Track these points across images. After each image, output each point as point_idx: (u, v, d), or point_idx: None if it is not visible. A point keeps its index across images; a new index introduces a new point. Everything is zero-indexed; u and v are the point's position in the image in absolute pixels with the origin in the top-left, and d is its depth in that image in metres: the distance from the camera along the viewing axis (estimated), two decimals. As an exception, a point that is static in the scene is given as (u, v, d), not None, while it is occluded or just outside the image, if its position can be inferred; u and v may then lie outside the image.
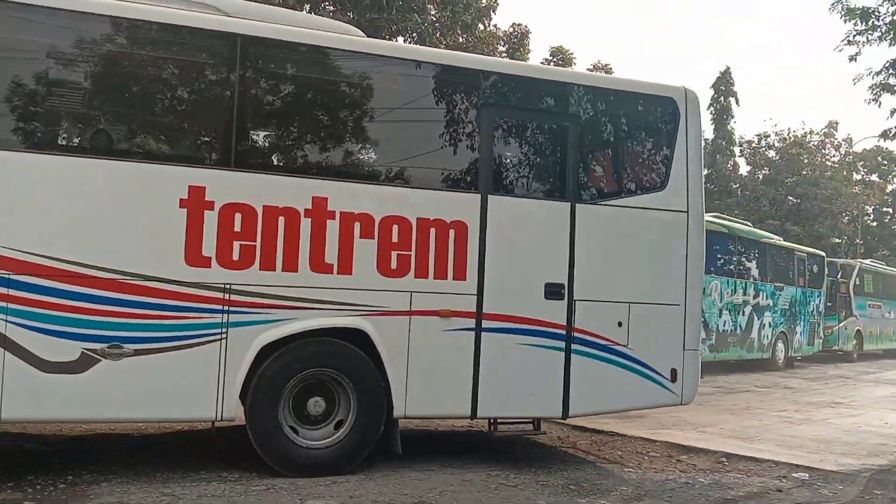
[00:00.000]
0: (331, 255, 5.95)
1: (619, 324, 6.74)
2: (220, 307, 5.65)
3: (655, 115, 7.28)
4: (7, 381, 5.11)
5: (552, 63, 18.48)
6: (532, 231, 6.62)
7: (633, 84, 7.26)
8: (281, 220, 5.84)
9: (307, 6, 14.63)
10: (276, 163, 6.37)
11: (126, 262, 5.44)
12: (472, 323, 6.30)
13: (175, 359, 5.53)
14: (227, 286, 5.67)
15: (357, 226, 6.04)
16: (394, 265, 6.13)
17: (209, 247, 5.62)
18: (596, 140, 7.14)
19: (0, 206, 5.21)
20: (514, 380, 6.43)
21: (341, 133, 6.46)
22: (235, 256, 5.71)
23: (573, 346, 6.59)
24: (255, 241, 5.75)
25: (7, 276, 5.15)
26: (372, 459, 6.24)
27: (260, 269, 5.76)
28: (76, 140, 5.99)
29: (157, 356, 5.48)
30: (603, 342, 6.70)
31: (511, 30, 18.63)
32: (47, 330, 5.23)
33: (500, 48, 17.83)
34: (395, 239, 6.13)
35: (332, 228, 5.97)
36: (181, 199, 5.58)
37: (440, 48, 15.02)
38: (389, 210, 6.14)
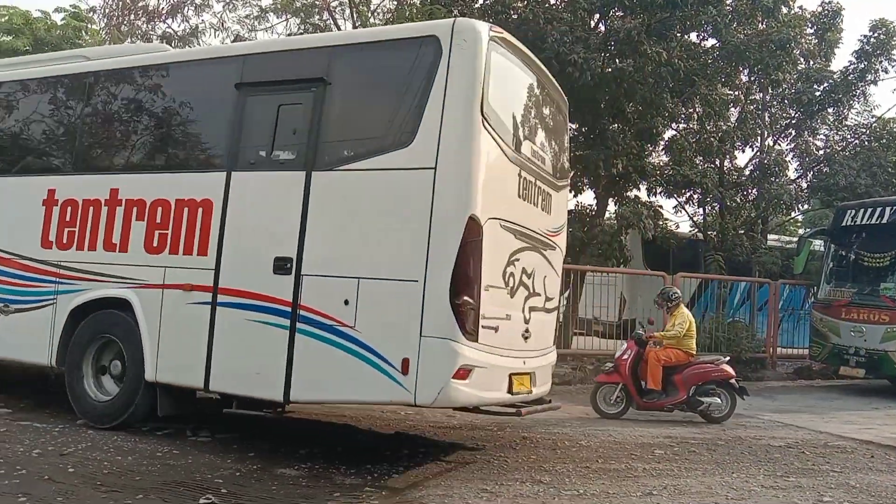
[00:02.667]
0: (117, 236, 7.18)
1: (346, 302, 5.89)
2: (52, 279, 7.46)
3: (411, 60, 6.15)
4: None
5: (872, 39, 16.32)
6: (268, 204, 6.48)
7: (387, 32, 7.10)
8: (88, 209, 7.38)
9: (597, 16, 14.61)
10: (92, 164, 7.85)
11: (14, 246, 7.77)
12: (208, 297, 6.50)
13: (32, 317, 7.52)
14: (57, 263, 7.46)
15: (134, 210, 7.12)
16: (155, 243, 6.95)
17: (52, 233, 7.54)
18: (341, 101, 6.49)
19: None
20: (242, 356, 6.33)
21: (126, 132, 7.79)
22: (64, 240, 7.48)
23: (298, 325, 6.05)
24: (75, 227, 7.43)
25: None
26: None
27: (76, 250, 7.39)
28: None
29: (24, 314, 7.60)
30: (328, 322, 5.94)
31: (820, 9, 16.81)
32: None
33: (808, 30, 16.19)
34: (158, 220, 6.95)
35: (119, 214, 7.20)
36: (43, 199, 7.66)
37: (738, 38, 14.15)
38: (156, 194, 7.02)
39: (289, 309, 6.10)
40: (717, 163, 17.18)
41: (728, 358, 9.90)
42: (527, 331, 6.58)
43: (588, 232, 14.76)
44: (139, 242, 7.00)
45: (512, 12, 14.19)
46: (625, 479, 6.27)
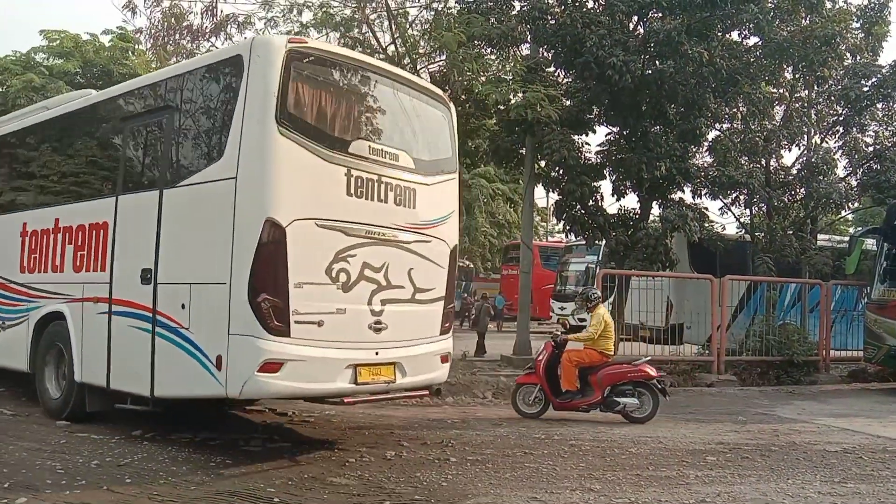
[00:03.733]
0: (57, 258, 8.25)
1: (183, 306, 6.52)
2: (26, 298, 8.66)
3: (225, 79, 6.82)
4: None
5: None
6: (140, 220, 7.16)
7: (212, 56, 7.66)
8: (44, 237, 8.53)
9: (635, 18, 14.49)
10: (43, 199, 9.05)
11: (6, 272, 9.04)
12: (106, 307, 7.35)
13: (16, 331, 8.73)
14: (27, 284, 8.67)
15: (67, 235, 8.14)
16: (78, 263, 7.92)
17: (25, 259, 8.80)
18: (183, 124, 7.20)
19: None
20: (127, 358, 7.08)
21: (60, 168, 8.85)
22: (31, 264, 8.70)
23: (156, 329, 6.74)
24: (37, 253, 8.60)
25: None
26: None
27: (37, 272, 8.59)
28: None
29: (11, 329, 8.85)
30: (173, 325, 6.59)
31: (866, 2, 16.39)
32: None
33: (854, 24, 15.80)
34: (80, 242, 7.94)
35: (59, 239, 8.28)
36: (20, 231, 8.90)
37: (781, 35, 13.90)
38: (79, 220, 7.99)
39: (150, 314, 6.83)
40: (763, 162, 16.83)
41: (650, 358, 9.75)
42: (378, 322, 6.81)
43: (632, 236, 14.61)
44: (69, 263, 8.07)
45: (549, 17, 14.17)
46: (677, 487, 6.19)
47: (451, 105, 8.25)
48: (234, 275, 6.12)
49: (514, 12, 14.78)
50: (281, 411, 9.03)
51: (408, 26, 15.97)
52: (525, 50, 15.53)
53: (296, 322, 6.17)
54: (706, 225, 15.53)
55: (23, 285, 8.77)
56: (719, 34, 14.42)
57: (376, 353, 6.80)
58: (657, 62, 13.88)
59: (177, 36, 15.61)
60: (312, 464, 6.51)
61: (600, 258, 19.45)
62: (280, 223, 6.12)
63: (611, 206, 15.72)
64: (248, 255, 6.09)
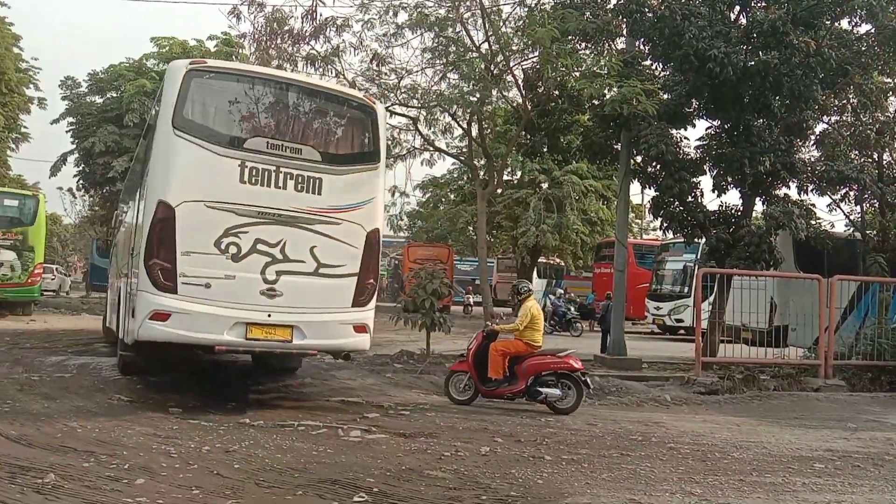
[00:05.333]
0: (126, 248, 10.25)
1: (135, 272, 8.26)
2: (125, 279, 10.03)
3: (157, 98, 8.66)
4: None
5: None
6: (135, 211, 9.71)
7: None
8: (127, 232, 10.95)
9: (737, 8, 13.98)
10: (130, 204, 11.54)
11: (123, 264, 10.78)
12: (126, 280, 9.37)
13: (117, 304, 10.67)
14: (119, 269, 11.27)
15: (129, 229, 10.60)
16: (125, 251, 10.21)
17: (122, 251, 11.40)
18: (152, 138, 8.71)
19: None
20: (123, 312, 9.25)
21: (133, 184, 11.37)
22: (122, 252, 11.28)
23: (129, 290, 8.73)
24: (127, 245, 10.38)
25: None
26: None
27: (122, 258, 11.01)
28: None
29: (118, 303, 10.60)
30: (135, 284, 8.19)
31: None
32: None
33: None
34: (129, 234, 10.12)
35: (127, 233, 10.78)
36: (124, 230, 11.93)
37: (893, 23, 13.15)
38: (129, 217, 10.75)
39: (127, 280, 9.02)
40: (876, 156, 15.97)
41: (573, 350, 9.96)
42: (271, 290, 8.04)
43: (734, 233, 14.12)
44: (126, 250, 10.13)
45: (647, 10, 13.86)
46: (782, 494, 5.97)
47: (377, 106, 9.27)
48: (141, 244, 7.92)
49: (609, 6, 14.54)
50: (377, 404, 9.23)
51: (501, 24, 15.96)
52: (620, 44, 15.26)
53: (183, 283, 7.72)
54: (813, 222, 14.86)
55: (119, 270, 11.59)
56: (827, 22, 13.72)
57: (269, 315, 8.04)
58: (761, 53, 13.34)
59: (279, 40, 16.17)
60: (409, 456, 6.63)
61: (699, 257, 18.91)
62: (170, 204, 7.75)
63: (711, 202, 15.32)
64: (146, 228, 7.90)
